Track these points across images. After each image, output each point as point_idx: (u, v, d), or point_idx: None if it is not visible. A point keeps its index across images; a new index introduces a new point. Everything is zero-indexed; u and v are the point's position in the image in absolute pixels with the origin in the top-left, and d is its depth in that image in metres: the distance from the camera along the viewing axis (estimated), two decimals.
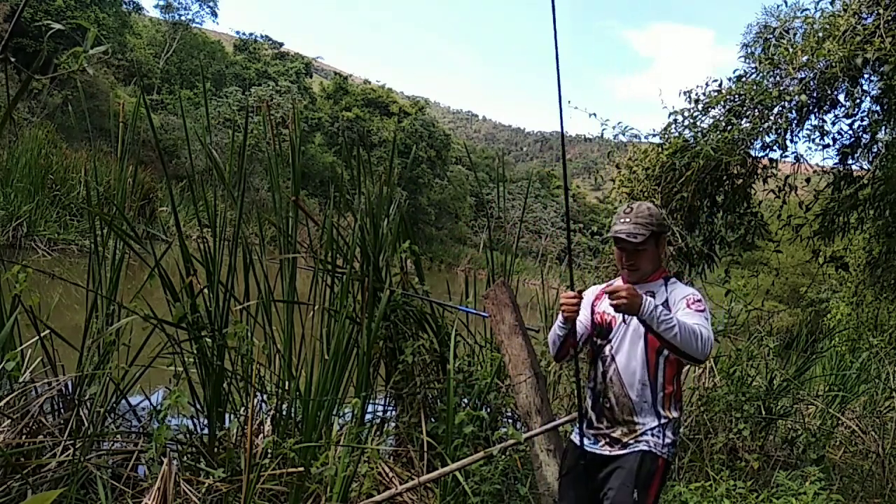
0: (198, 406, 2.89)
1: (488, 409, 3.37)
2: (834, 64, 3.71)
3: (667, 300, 2.15)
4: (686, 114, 4.09)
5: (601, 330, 2.28)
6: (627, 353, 2.19)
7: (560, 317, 2.19)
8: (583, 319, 2.27)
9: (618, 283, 2.24)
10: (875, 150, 4.44)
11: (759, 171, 4.17)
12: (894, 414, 4.64)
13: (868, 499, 3.76)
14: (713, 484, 3.19)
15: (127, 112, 3.48)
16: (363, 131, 36.47)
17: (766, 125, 3.91)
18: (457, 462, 2.76)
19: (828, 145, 4.21)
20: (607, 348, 2.23)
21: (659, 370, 2.15)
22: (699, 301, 2.12)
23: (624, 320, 2.20)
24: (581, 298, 2.13)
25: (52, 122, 18.58)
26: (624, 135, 4.25)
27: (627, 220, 2.15)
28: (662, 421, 2.16)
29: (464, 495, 2.80)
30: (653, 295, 2.11)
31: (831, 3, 4.14)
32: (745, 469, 3.62)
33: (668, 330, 1.91)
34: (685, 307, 2.09)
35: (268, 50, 44.49)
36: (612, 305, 1.96)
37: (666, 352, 2.10)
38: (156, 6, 38.60)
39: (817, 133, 4.06)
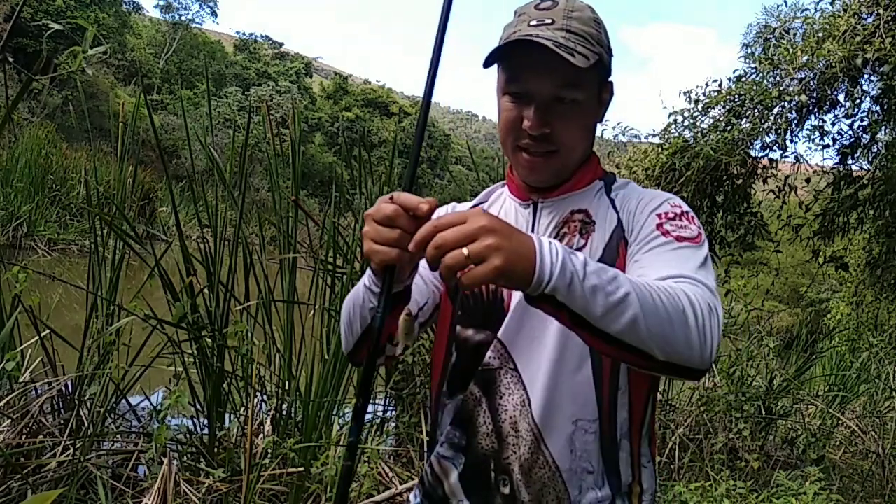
0: (198, 406, 2.89)
1: None
2: (834, 64, 3.71)
3: (617, 228, 1.01)
4: (686, 114, 4.09)
5: (478, 313, 1.07)
6: (550, 368, 0.98)
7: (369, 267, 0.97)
8: (430, 280, 1.13)
9: (497, 198, 1.16)
10: (875, 150, 4.44)
11: (759, 171, 4.17)
12: (894, 414, 4.64)
13: (868, 499, 3.76)
14: (713, 484, 3.19)
15: (127, 112, 3.48)
16: (363, 131, 36.47)
17: (765, 125, 3.91)
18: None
19: (828, 145, 4.21)
20: (496, 359, 1.02)
21: (619, 396, 0.99)
22: (683, 215, 0.97)
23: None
24: (424, 217, 0.80)
25: (52, 122, 18.58)
26: (624, 135, 4.25)
27: (548, 19, 0.97)
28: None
29: None
30: (585, 223, 1.03)
31: (831, 4, 4.14)
32: (745, 469, 3.62)
33: (611, 311, 0.75)
34: (655, 234, 0.95)
35: (268, 50, 44.48)
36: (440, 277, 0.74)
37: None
38: (156, 6, 38.65)
39: (817, 133, 4.07)
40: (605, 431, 0.99)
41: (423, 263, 0.92)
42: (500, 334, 1.02)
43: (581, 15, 0.99)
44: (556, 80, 0.98)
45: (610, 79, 1.07)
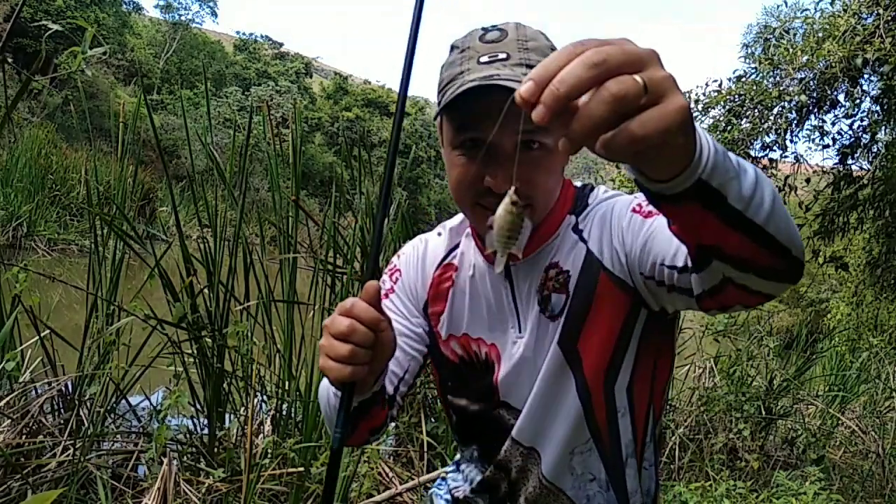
0: (198, 406, 2.89)
1: None
2: (834, 64, 3.71)
3: (587, 258, 0.93)
4: None
5: (468, 386, 1.03)
6: (561, 434, 0.95)
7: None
8: (409, 349, 1.02)
9: (467, 250, 1.04)
10: (875, 150, 4.44)
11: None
12: (894, 414, 4.64)
13: (868, 499, 3.76)
14: (713, 484, 3.19)
15: (127, 112, 3.48)
16: (363, 131, 36.47)
17: (765, 125, 3.91)
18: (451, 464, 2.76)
19: (828, 145, 4.22)
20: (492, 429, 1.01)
21: (619, 419, 0.95)
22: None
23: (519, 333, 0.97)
24: (379, 316, 0.75)
25: (52, 122, 18.60)
26: None
27: (501, 53, 0.85)
28: None
29: None
30: (559, 277, 0.94)
31: (831, 4, 4.15)
32: (745, 469, 3.62)
33: (756, 191, 0.59)
34: (642, 220, 0.87)
35: (268, 50, 44.51)
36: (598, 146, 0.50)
37: (641, 383, 0.95)
38: (156, 6, 38.67)
39: (817, 133, 4.07)
40: (606, 453, 0.97)
41: (395, 325, 0.90)
42: (514, 434, 0.99)
43: (537, 44, 0.86)
44: (521, 127, 0.77)
45: None
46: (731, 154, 0.60)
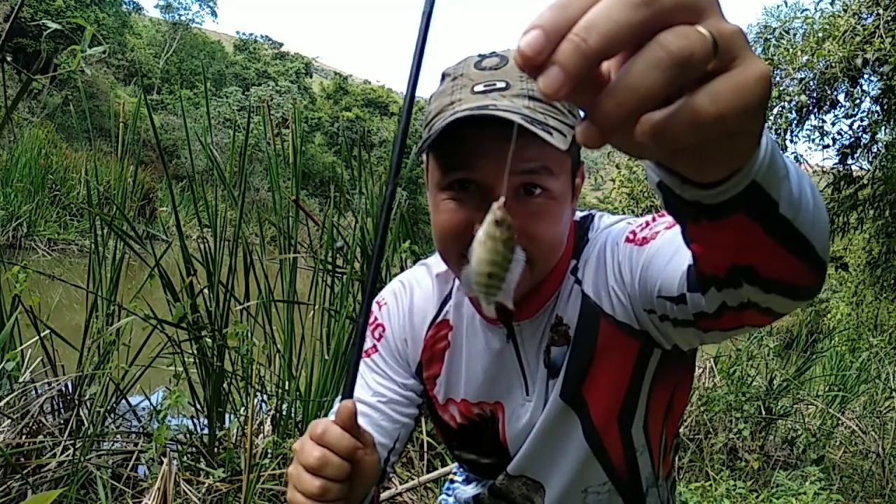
0: (198, 406, 2.89)
1: None
2: (834, 64, 3.71)
3: (584, 305, 0.85)
4: None
5: (477, 446, 0.97)
6: (567, 472, 0.90)
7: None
8: (398, 416, 0.94)
9: (461, 306, 0.94)
10: (875, 150, 4.45)
11: None
12: (894, 414, 4.64)
13: (868, 499, 3.76)
14: (713, 484, 3.19)
15: (127, 112, 3.48)
16: (363, 131, 36.47)
17: (766, 125, 3.92)
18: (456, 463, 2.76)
19: (828, 145, 4.22)
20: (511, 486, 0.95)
21: (638, 458, 0.91)
22: (644, 223, 0.80)
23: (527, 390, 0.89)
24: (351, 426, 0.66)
25: (52, 122, 18.59)
26: None
27: (500, 82, 0.74)
28: None
29: None
30: (560, 331, 0.86)
31: (831, 4, 4.15)
32: (745, 469, 3.62)
33: (802, 201, 0.47)
34: (637, 248, 0.77)
35: (268, 50, 44.55)
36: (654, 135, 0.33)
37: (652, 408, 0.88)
38: (156, 6, 38.70)
39: (817, 133, 4.08)
40: (627, 492, 0.92)
41: (381, 389, 0.88)
42: (510, 469, 0.93)
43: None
44: (521, 164, 0.72)
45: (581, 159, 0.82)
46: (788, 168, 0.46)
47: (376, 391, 0.93)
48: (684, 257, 0.62)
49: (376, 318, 0.97)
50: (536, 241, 0.75)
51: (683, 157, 0.38)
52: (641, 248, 0.75)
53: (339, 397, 0.73)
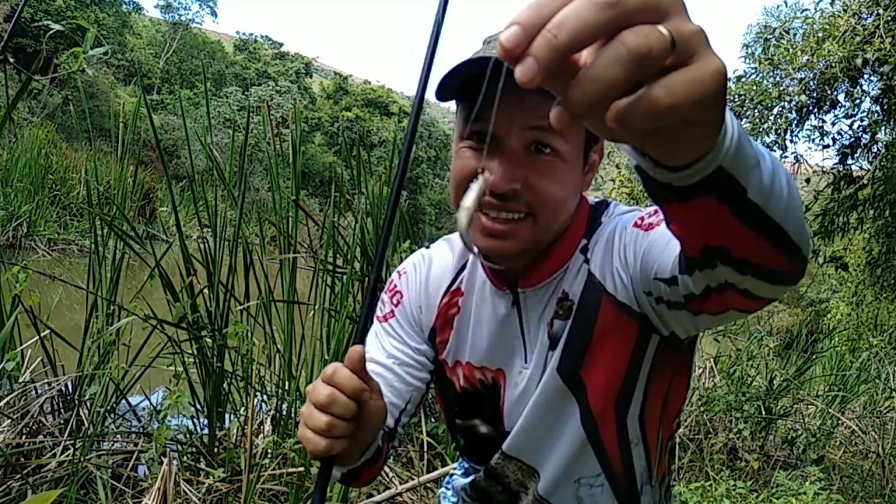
0: (198, 406, 2.89)
1: None
2: (834, 64, 3.72)
3: (588, 282, 0.87)
4: None
5: (476, 410, 0.99)
6: (562, 458, 0.92)
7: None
8: (409, 378, 0.97)
9: (474, 274, 0.97)
10: (875, 150, 4.45)
11: None
12: (894, 414, 4.64)
13: (868, 499, 3.76)
14: (713, 484, 3.19)
15: (127, 112, 3.48)
16: (363, 131, 36.48)
17: (765, 125, 3.91)
18: (457, 462, 2.76)
19: (828, 145, 4.22)
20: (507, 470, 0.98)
21: (632, 449, 0.92)
22: (655, 212, 0.81)
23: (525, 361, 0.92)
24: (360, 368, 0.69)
25: (52, 122, 18.59)
26: None
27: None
28: None
29: None
30: (565, 305, 0.88)
31: (831, 4, 4.15)
32: (745, 469, 3.63)
33: (772, 181, 0.50)
34: (642, 233, 0.80)
35: (268, 50, 44.55)
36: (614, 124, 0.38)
37: (645, 393, 0.89)
38: (156, 6, 38.70)
39: (817, 133, 4.08)
40: (620, 488, 0.93)
41: (395, 352, 0.94)
42: (505, 448, 0.96)
43: None
44: (533, 120, 0.76)
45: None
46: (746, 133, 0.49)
47: (391, 353, 0.98)
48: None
49: (396, 286, 1.03)
50: (541, 196, 0.80)
51: (652, 141, 0.41)
52: (647, 232, 0.79)
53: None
